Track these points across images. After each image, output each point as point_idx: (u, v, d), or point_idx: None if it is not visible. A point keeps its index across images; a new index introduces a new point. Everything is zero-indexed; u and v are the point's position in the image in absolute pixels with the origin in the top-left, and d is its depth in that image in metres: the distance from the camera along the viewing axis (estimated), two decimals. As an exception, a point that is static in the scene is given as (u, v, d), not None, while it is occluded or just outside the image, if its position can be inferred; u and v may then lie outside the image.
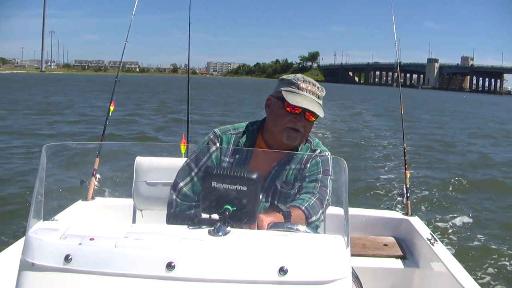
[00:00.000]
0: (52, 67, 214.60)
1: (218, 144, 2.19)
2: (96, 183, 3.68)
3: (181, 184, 2.13)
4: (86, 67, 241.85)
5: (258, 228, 1.69)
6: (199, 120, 18.94)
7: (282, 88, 2.12)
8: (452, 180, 10.22)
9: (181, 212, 2.09)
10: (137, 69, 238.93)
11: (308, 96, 2.08)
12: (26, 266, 1.39)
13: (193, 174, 2.14)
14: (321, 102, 2.14)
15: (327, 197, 2.11)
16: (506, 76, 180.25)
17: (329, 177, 2.16)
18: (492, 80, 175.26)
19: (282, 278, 1.33)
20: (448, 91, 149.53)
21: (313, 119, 2.11)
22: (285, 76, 2.22)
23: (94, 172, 3.67)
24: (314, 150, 2.23)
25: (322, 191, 2.09)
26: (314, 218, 2.00)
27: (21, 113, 20.58)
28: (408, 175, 3.93)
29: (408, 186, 3.85)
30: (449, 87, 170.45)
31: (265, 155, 2.18)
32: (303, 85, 2.10)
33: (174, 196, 2.14)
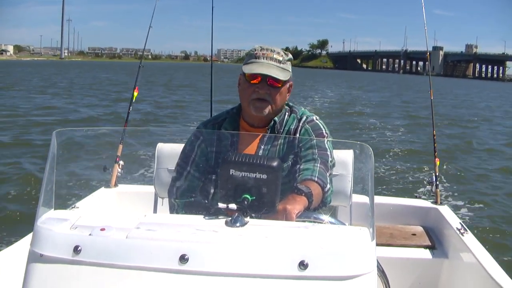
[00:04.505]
0: (67, 54, 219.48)
1: (201, 140, 2.17)
2: (119, 169, 3.62)
3: (177, 186, 2.15)
4: (100, 54, 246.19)
5: (287, 220, 1.61)
6: (221, 108, 20.19)
7: (244, 63, 2.09)
8: (484, 169, 10.12)
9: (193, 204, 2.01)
10: (150, 56, 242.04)
11: (265, 62, 2.03)
12: (34, 257, 1.34)
13: (185, 173, 2.15)
14: (284, 66, 2.08)
15: (330, 159, 2.09)
16: (508, 63, 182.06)
17: (326, 139, 2.15)
18: (495, 67, 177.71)
19: (302, 272, 1.24)
20: (452, 77, 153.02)
21: (278, 85, 2.06)
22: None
23: (117, 159, 3.63)
24: (301, 119, 2.19)
25: (322, 155, 2.06)
26: (328, 186, 1.99)
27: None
28: (438, 163, 3.81)
29: (437, 174, 3.71)
30: (454, 74, 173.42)
31: (251, 135, 2.14)
32: (259, 53, 2.06)
33: (172, 199, 2.15)
